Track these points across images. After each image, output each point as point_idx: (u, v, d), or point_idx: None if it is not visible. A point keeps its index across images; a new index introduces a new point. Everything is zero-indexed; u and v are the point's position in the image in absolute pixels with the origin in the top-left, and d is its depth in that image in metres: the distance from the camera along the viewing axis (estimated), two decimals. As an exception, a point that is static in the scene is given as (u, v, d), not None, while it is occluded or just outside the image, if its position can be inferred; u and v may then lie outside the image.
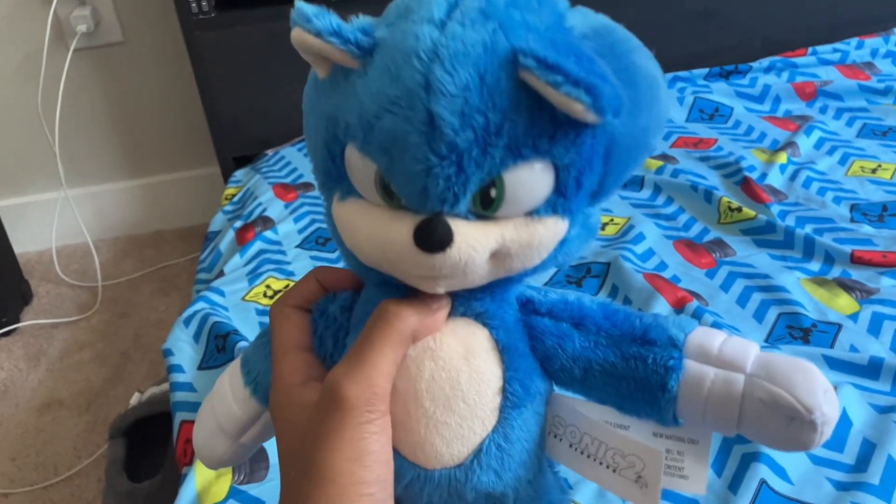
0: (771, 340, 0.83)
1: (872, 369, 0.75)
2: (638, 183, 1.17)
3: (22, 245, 1.77)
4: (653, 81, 0.34)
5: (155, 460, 1.02)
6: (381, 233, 0.34)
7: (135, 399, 1.16)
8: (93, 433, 1.29)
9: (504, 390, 0.38)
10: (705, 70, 1.49)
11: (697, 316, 0.85)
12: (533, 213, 0.34)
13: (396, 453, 0.38)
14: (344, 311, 0.41)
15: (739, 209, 1.04)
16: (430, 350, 0.37)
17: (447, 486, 0.38)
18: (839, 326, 0.83)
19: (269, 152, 1.47)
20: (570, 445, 0.41)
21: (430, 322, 0.37)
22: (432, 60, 0.31)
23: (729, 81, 1.46)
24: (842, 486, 0.65)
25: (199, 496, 0.73)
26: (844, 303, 0.86)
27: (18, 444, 1.30)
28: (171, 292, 1.64)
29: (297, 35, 0.33)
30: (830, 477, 0.66)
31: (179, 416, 0.84)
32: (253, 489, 0.72)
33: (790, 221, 1.02)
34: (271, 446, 0.76)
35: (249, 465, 0.74)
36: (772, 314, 0.86)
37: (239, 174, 1.44)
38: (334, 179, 0.36)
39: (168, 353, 0.93)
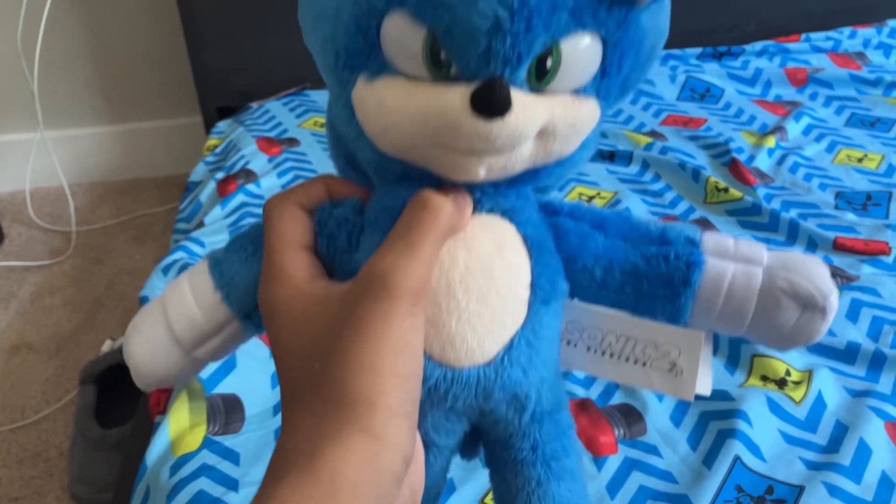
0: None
1: (849, 354, 0.76)
2: (626, 158, 1.16)
3: (-5, 185, 1.73)
4: None
5: (125, 409, 1.02)
6: (431, 104, 0.32)
7: (107, 346, 1.14)
8: (62, 379, 1.27)
9: (533, 285, 0.37)
10: (698, 50, 1.48)
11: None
12: (579, 92, 0.34)
13: (426, 359, 0.36)
14: (356, 212, 0.38)
15: (726, 190, 1.04)
16: (463, 241, 0.36)
17: (475, 386, 0.37)
18: (819, 310, 0.83)
19: (254, 105, 1.44)
20: (588, 349, 0.41)
21: (463, 216, 0.36)
22: None
23: (721, 63, 1.45)
24: (813, 466, 0.66)
25: (171, 445, 0.72)
26: (825, 288, 0.87)
27: (-15, 385, 1.28)
28: (147, 241, 1.62)
29: None
30: (803, 456, 0.67)
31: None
32: (228, 440, 0.71)
33: (776, 205, 1.02)
34: (248, 396, 0.75)
35: (225, 416, 0.73)
36: (753, 295, 0.87)
37: (222, 125, 1.41)
38: (361, 59, 0.34)
39: (145, 300, 0.92)
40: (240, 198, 1.12)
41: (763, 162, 1.14)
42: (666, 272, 0.38)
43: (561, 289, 0.39)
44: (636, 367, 0.40)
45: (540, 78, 0.32)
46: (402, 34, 0.32)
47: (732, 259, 0.38)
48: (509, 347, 0.37)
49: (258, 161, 1.22)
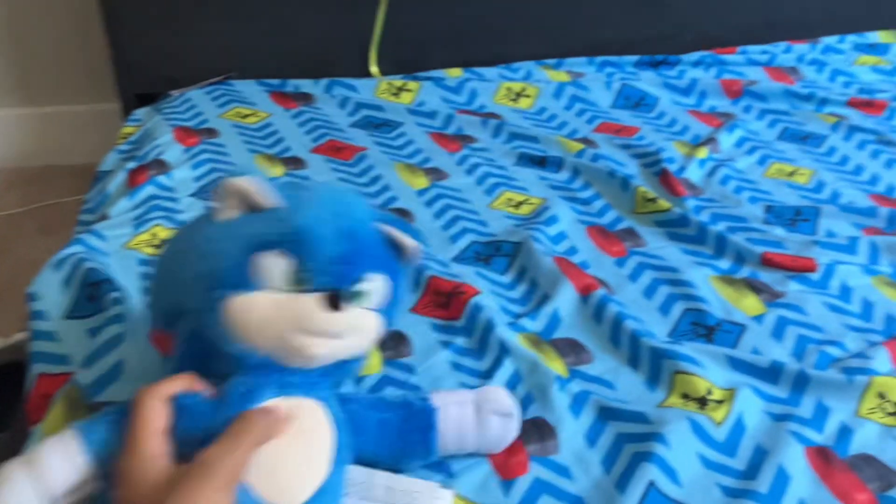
0: (675, 336, 0.81)
1: (773, 373, 0.74)
2: (557, 164, 1.13)
3: None
4: None
5: (6, 413, 0.94)
6: (294, 307, 0.52)
7: (-3, 344, 1.06)
8: (-51, 377, 1.18)
9: (333, 449, 0.55)
10: (635, 58, 1.47)
11: (604, 304, 0.82)
12: (373, 310, 0.57)
13: (262, 499, 0.51)
14: (206, 402, 0.54)
15: (655, 200, 1.01)
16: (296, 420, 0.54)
17: None
18: (743, 327, 0.81)
19: (175, 93, 1.37)
20: (361, 499, 0.59)
21: (277, 427, 0.52)
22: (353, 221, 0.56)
23: (657, 71, 1.43)
24: (731, 493, 0.63)
25: (45, 458, 0.66)
26: (751, 304, 0.84)
27: None
28: (57, 232, 1.52)
29: (236, 184, 0.53)
30: (720, 482, 0.64)
31: (37, 368, 0.77)
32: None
33: (704, 217, 1.00)
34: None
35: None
36: (677, 309, 0.84)
37: (139, 113, 1.34)
38: (236, 286, 0.52)
39: (32, 297, 0.85)
40: (149, 189, 1.05)
41: (694, 173, 1.12)
42: (417, 424, 0.61)
43: (347, 452, 0.57)
44: None
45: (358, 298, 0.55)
46: (273, 264, 0.52)
47: (450, 402, 0.63)
48: (319, 494, 0.53)
49: (173, 151, 1.15)
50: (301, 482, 0.53)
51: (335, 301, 0.52)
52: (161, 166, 1.11)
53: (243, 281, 0.52)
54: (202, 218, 0.58)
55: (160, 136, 1.19)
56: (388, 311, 0.58)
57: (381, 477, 0.61)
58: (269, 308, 0.52)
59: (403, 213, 1.01)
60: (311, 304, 0.52)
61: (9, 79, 1.68)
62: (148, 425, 0.50)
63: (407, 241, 0.58)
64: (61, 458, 0.51)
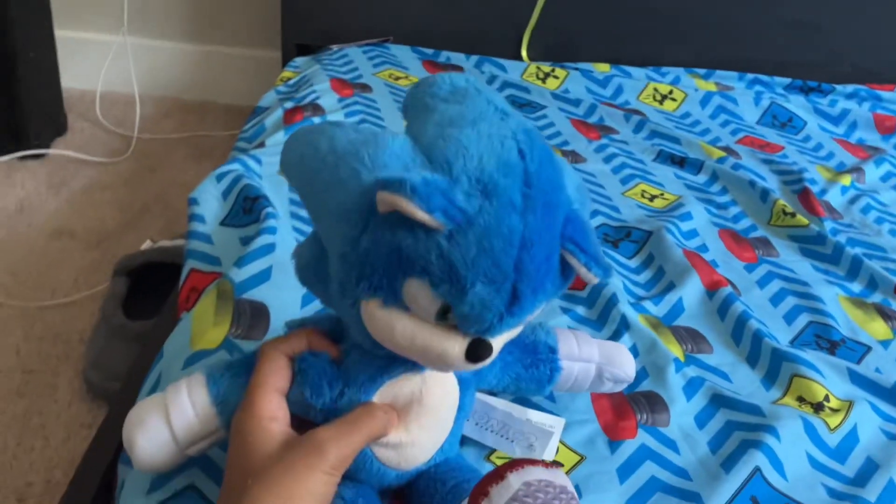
0: (797, 344, 0.80)
1: (894, 394, 0.73)
2: (696, 167, 1.14)
3: (69, 80, 1.75)
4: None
5: (153, 307, 1.02)
6: (433, 345, 0.44)
7: (146, 245, 1.15)
8: (97, 270, 1.28)
9: (458, 406, 0.54)
10: (786, 80, 1.45)
11: (729, 302, 0.82)
12: None
13: (385, 466, 0.52)
14: (332, 364, 0.51)
15: (793, 215, 1.01)
16: (414, 402, 0.51)
17: (398, 477, 0.54)
18: (868, 348, 0.80)
19: (334, 47, 1.44)
20: (477, 424, 0.63)
21: (391, 426, 0.51)
22: (523, 248, 0.42)
23: (808, 97, 1.41)
24: (836, 495, 0.63)
25: (192, 339, 0.72)
26: (879, 328, 0.83)
27: (22, 261, 1.29)
28: (205, 161, 1.63)
29: (393, 200, 0.40)
30: (826, 483, 0.64)
31: (191, 264, 0.83)
32: (246, 345, 0.70)
33: (841, 239, 0.99)
34: (275, 308, 0.74)
35: (249, 320, 0.72)
36: (802, 320, 0.84)
37: (299, 61, 1.41)
38: (379, 290, 0.44)
39: (194, 202, 0.92)
40: (304, 127, 1.11)
41: (835, 197, 1.10)
42: (537, 375, 0.60)
43: (471, 396, 0.57)
44: (506, 441, 0.63)
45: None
46: (421, 296, 0.43)
47: (577, 360, 0.60)
48: (440, 450, 0.54)
49: (329, 98, 1.21)
50: (423, 452, 0.53)
51: (478, 354, 0.44)
52: (316, 109, 1.17)
53: (382, 288, 0.44)
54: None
55: (318, 84, 1.26)
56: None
57: (499, 407, 0.64)
58: (408, 331, 0.44)
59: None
60: (455, 349, 0.44)
61: (185, 16, 1.79)
62: (267, 384, 0.49)
63: (585, 275, 0.44)
64: (191, 406, 0.51)
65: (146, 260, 1.07)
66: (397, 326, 0.44)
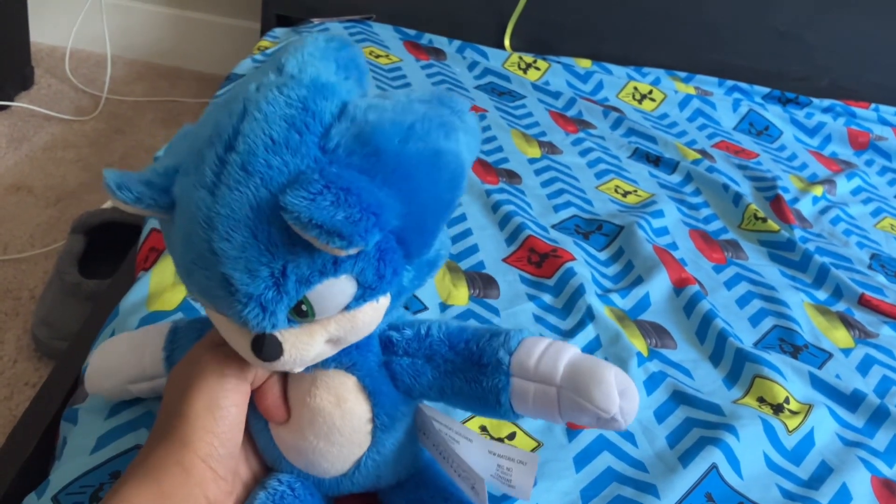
0: (761, 346, 0.80)
1: (853, 401, 0.73)
2: (671, 166, 1.13)
3: (39, 34, 1.70)
4: (434, 156, 0.38)
5: (110, 269, 0.99)
6: (232, 341, 0.42)
7: (107, 205, 1.12)
8: (53, 228, 1.24)
9: (373, 420, 0.47)
10: (765, 90, 1.45)
11: (696, 300, 0.82)
12: (348, 307, 0.40)
13: (299, 470, 0.49)
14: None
15: (765, 220, 1.01)
16: (305, 403, 0.46)
17: (337, 485, 0.50)
18: (830, 355, 0.81)
19: (316, 21, 1.41)
20: (434, 445, 0.51)
21: (260, 379, 0.47)
22: (211, 229, 0.37)
23: (785, 108, 1.42)
24: (790, 496, 0.63)
25: (148, 298, 0.69)
26: (841, 336, 0.84)
27: (-25, 215, 1.25)
28: (173, 127, 1.59)
29: (114, 200, 0.40)
30: (781, 485, 0.64)
31: (152, 223, 0.81)
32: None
33: (809, 248, 0.99)
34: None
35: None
36: (767, 323, 0.84)
37: (278, 31, 1.38)
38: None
39: (158, 160, 0.89)
40: (279, 96, 1.09)
41: (806, 207, 1.11)
42: (482, 394, 0.46)
43: (402, 414, 0.49)
44: (457, 476, 0.51)
45: (303, 317, 0.39)
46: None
47: (532, 379, 0.45)
48: (358, 465, 0.49)
49: (306, 70, 1.19)
50: (332, 462, 0.48)
51: (262, 350, 0.40)
52: (293, 80, 1.15)
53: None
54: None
55: (296, 54, 1.23)
56: (374, 291, 0.40)
57: (478, 441, 0.51)
58: (222, 329, 0.42)
59: (512, 176, 1.03)
60: (242, 343, 0.41)
61: (163, -24, 1.75)
62: (212, 339, 0.48)
63: (327, 249, 0.36)
64: (147, 345, 0.53)
65: (106, 219, 1.04)
66: (218, 325, 0.43)
